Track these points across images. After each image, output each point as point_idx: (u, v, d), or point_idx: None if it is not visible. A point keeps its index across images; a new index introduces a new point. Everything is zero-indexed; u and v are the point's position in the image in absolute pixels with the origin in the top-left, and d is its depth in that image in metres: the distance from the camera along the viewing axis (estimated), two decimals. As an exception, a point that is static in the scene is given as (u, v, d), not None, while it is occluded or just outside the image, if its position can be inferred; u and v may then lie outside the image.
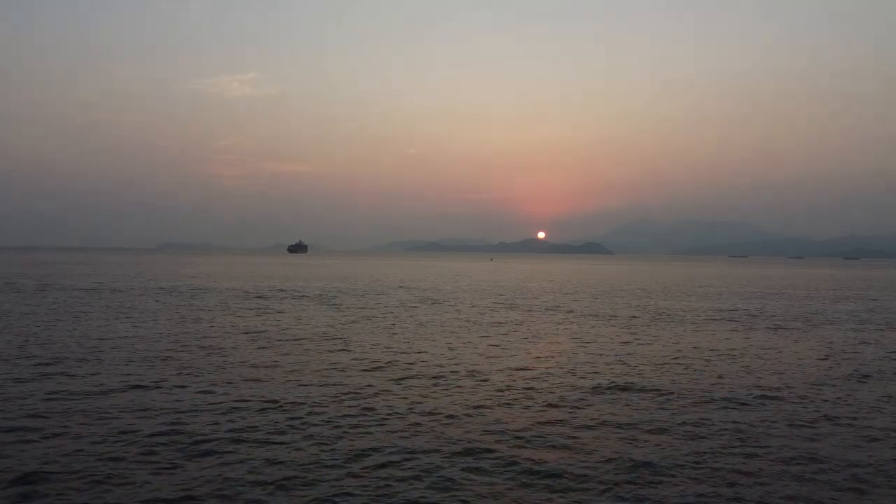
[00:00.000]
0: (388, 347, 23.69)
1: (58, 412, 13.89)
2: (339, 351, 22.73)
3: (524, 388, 17.00)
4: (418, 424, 13.35)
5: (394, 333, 27.70)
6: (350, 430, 12.82)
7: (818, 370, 20.46)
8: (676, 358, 22.23)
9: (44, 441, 11.96)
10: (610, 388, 17.16)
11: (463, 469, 10.94)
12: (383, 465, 11.00)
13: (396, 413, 14.27)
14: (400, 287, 61.93)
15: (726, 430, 13.33)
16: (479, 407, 14.95)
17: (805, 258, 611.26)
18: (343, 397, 15.66)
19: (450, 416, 14.08)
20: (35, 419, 13.31)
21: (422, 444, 12.08)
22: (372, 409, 14.59)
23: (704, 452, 11.90)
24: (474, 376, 18.52)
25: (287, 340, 24.99)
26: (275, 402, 15.09)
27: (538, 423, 13.68)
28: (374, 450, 11.72)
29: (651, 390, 16.93)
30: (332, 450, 11.71)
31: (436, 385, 17.23)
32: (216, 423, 13.17)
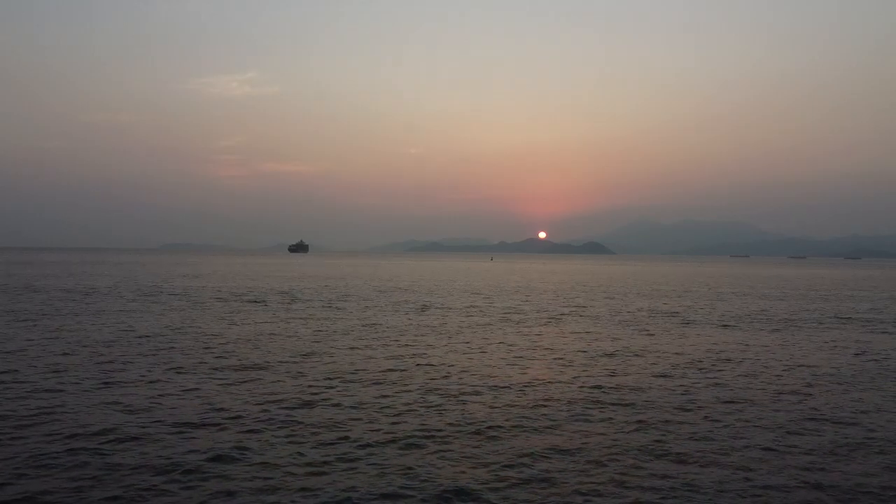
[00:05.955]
0: (383, 346, 23.24)
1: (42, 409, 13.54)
2: (336, 352, 22.27)
3: (522, 389, 16.53)
4: (406, 421, 12.95)
5: (390, 333, 27.23)
6: (330, 431, 12.37)
7: (847, 369, 19.97)
8: (691, 359, 21.76)
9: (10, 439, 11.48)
10: (617, 389, 16.69)
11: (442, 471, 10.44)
12: (358, 458, 10.59)
13: (384, 409, 13.84)
14: (399, 287, 61.51)
15: (741, 429, 12.89)
16: (480, 412, 14.50)
17: (807, 257, 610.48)
18: (340, 397, 15.21)
19: (436, 408, 13.78)
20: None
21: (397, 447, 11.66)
22: (360, 407, 14.14)
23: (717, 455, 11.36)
24: (472, 378, 18.06)
25: (284, 341, 24.53)
26: (268, 402, 14.66)
27: (534, 423, 13.36)
28: (349, 445, 11.28)
29: (663, 390, 16.47)
30: (301, 453, 11.26)
31: (428, 386, 16.75)
32: (205, 417, 12.78)
